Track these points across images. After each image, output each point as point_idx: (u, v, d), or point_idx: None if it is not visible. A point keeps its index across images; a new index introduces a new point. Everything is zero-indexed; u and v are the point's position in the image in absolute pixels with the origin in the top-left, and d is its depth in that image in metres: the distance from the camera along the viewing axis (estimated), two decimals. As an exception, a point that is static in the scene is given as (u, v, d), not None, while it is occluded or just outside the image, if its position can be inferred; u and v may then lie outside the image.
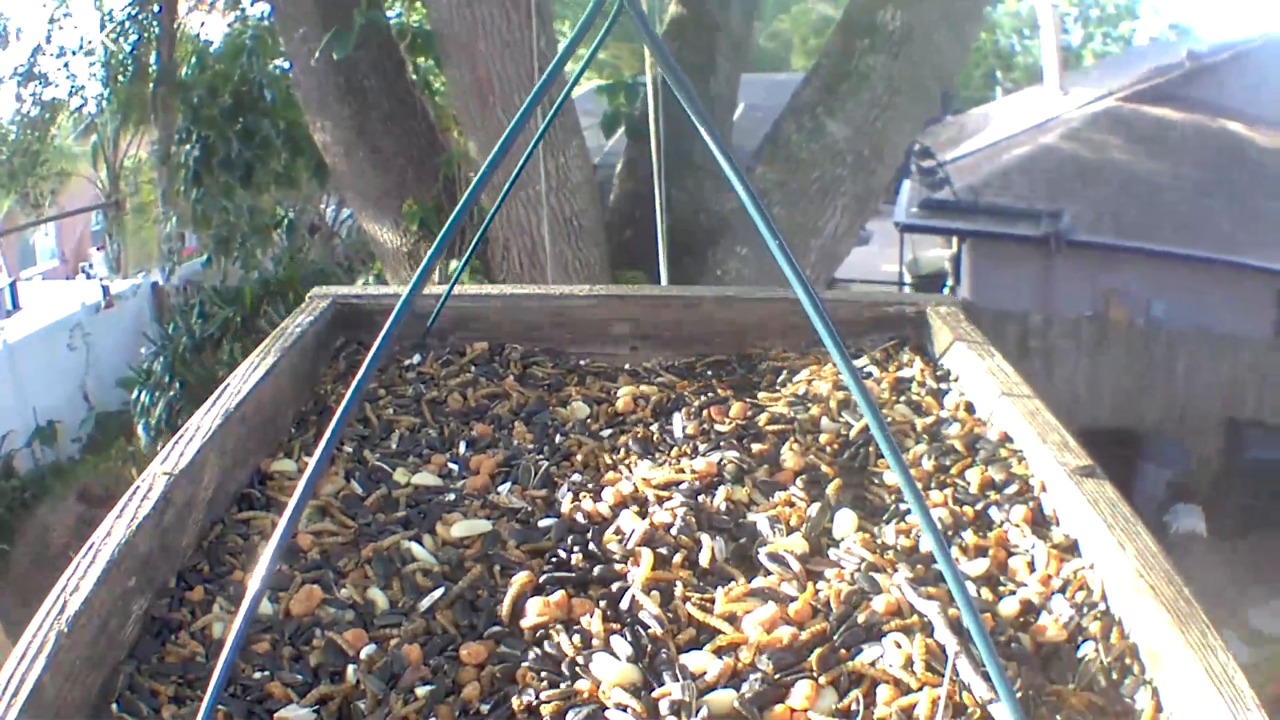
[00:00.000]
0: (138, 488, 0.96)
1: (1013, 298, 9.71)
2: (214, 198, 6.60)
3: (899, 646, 0.85)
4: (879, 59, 3.68)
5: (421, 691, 0.83)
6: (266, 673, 0.85)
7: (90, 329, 8.81)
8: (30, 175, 10.20)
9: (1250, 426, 9.18)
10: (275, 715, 0.81)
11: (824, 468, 1.13)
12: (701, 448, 1.17)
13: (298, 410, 1.31)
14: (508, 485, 1.13)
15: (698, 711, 0.79)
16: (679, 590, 0.92)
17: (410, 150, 4.04)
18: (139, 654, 0.86)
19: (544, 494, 1.11)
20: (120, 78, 8.48)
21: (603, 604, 0.90)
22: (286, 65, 6.15)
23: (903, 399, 1.31)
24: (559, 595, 0.91)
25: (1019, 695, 0.80)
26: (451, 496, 1.11)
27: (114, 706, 0.80)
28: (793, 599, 0.90)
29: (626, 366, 1.46)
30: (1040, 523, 1.04)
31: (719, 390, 1.33)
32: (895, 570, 0.95)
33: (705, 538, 0.99)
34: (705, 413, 1.25)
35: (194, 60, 6.95)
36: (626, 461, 1.18)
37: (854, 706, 0.81)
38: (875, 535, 1.02)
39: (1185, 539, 7.32)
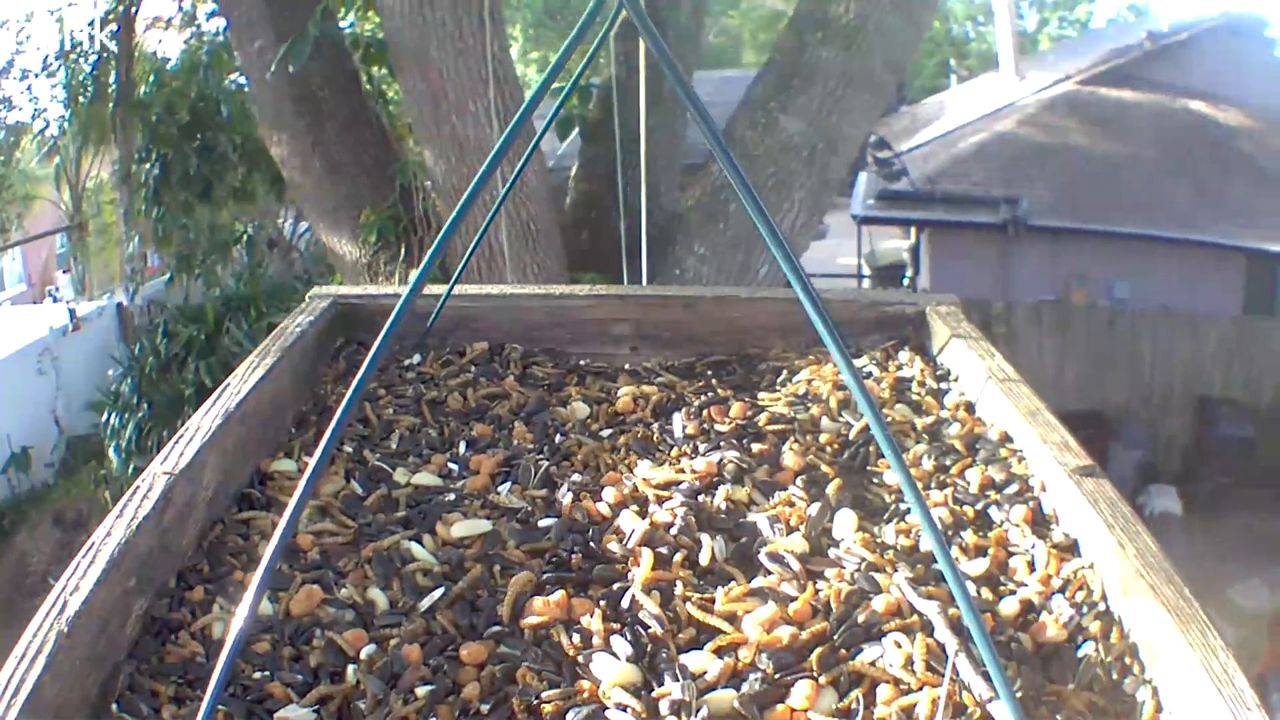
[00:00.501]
0: (138, 488, 0.96)
1: (973, 285, 9.68)
2: (174, 216, 6.63)
3: (899, 646, 0.85)
4: (832, 51, 3.66)
5: (421, 691, 0.83)
6: (266, 673, 0.85)
7: (58, 352, 8.72)
8: (-3, 200, 10.19)
9: (1221, 404, 9.16)
10: (275, 715, 0.81)
11: (824, 468, 1.13)
12: (701, 448, 1.17)
13: (298, 410, 1.31)
14: (508, 485, 1.13)
15: (698, 711, 0.79)
16: (679, 590, 0.92)
17: (365, 160, 4.05)
18: (139, 654, 0.86)
19: (544, 494, 1.11)
20: (81, 98, 8.45)
21: (603, 604, 0.90)
22: (242, 80, 6.16)
23: (903, 399, 1.31)
24: (559, 595, 0.91)
25: (1019, 695, 0.80)
26: (451, 496, 1.11)
27: (114, 706, 0.80)
28: (793, 599, 0.90)
29: (626, 366, 1.46)
30: (1040, 522, 1.04)
31: (719, 390, 1.33)
32: (895, 570, 0.95)
33: (705, 538, 0.99)
34: (705, 413, 1.25)
35: (152, 78, 6.97)
36: (626, 461, 1.18)
37: (854, 706, 0.81)
38: (875, 535, 1.02)
39: (1162, 520, 7.30)
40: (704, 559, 0.97)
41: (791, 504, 1.07)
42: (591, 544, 1.00)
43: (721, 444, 1.17)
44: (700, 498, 1.07)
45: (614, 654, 0.85)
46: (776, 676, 0.83)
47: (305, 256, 8.32)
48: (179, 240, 6.82)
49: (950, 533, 1.03)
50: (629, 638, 0.86)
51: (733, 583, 0.94)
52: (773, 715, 0.80)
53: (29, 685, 0.72)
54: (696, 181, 4.00)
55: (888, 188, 10.04)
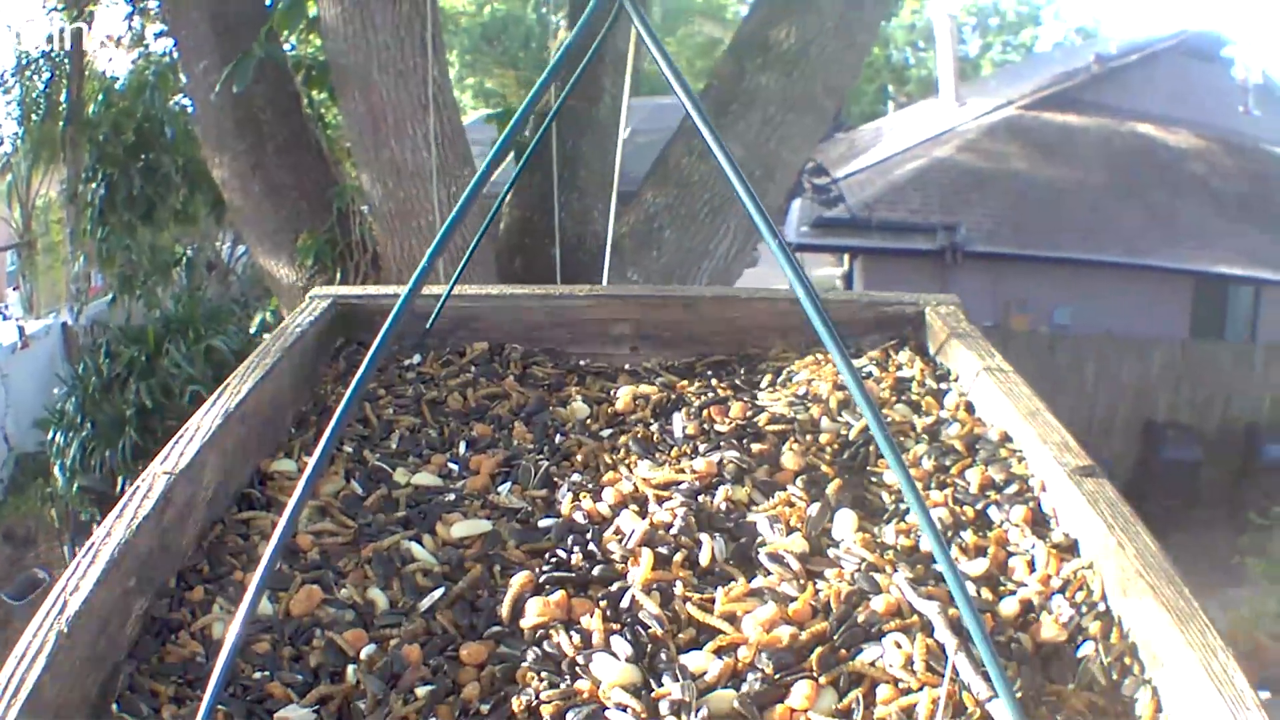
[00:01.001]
0: (138, 488, 0.96)
1: None
2: (118, 236, 6.65)
3: (899, 646, 0.85)
4: (771, 77, 3.62)
5: (421, 691, 0.83)
6: (266, 673, 0.85)
7: (8, 370, 8.66)
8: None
9: (1166, 428, 9.18)
10: (275, 715, 0.81)
11: (824, 468, 1.13)
12: (701, 448, 1.17)
13: (298, 410, 1.31)
14: (508, 485, 1.13)
15: (698, 711, 0.79)
16: (679, 590, 0.92)
17: (305, 184, 4.05)
18: (139, 654, 0.86)
19: (544, 494, 1.11)
20: (34, 115, 8.45)
21: (603, 604, 0.90)
22: (186, 101, 6.14)
23: (903, 399, 1.31)
24: (559, 595, 0.91)
25: (1019, 695, 0.80)
26: (451, 496, 1.11)
27: (114, 707, 0.80)
28: (793, 599, 0.90)
29: (626, 366, 1.46)
30: (1040, 523, 1.04)
31: (719, 390, 1.33)
32: (895, 570, 0.95)
33: (705, 538, 0.99)
34: (705, 413, 1.25)
35: (101, 98, 6.99)
36: (626, 461, 1.18)
37: (854, 706, 0.81)
38: (875, 535, 1.02)
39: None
40: (704, 559, 0.97)
41: (791, 504, 1.07)
42: (591, 544, 1.00)
43: (721, 444, 1.17)
44: (700, 498, 1.07)
45: (614, 654, 0.85)
46: (776, 676, 0.83)
47: (242, 279, 8.33)
48: (122, 261, 6.85)
49: (950, 533, 1.03)
50: (629, 638, 0.86)
51: (733, 583, 0.94)
52: (773, 715, 0.80)
53: (29, 685, 0.72)
54: (630, 209, 4.00)
55: (823, 215, 9.97)
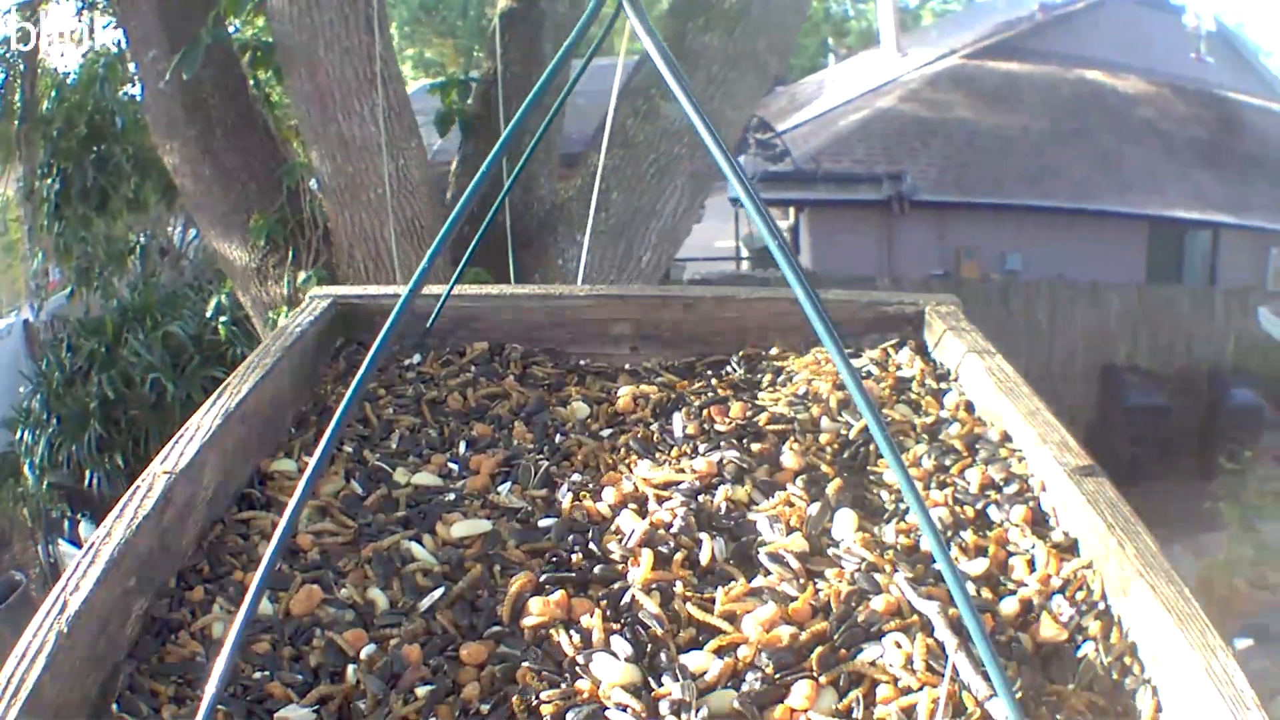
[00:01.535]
0: (137, 488, 0.96)
1: (857, 263, 9.56)
2: (74, 230, 6.66)
3: (899, 646, 0.85)
4: (714, 36, 3.62)
5: (421, 691, 0.83)
6: (266, 673, 0.85)
7: None
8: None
9: (1126, 373, 9.07)
10: (275, 715, 0.81)
11: (824, 468, 1.13)
12: (702, 448, 1.17)
13: (298, 410, 1.31)
14: (508, 485, 1.13)
15: (698, 711, 0.79)
16: (679, 590, 0.92)
17: (253, 165, 4.06)
18: (139, 654, 0.86)
19: (544, 494, 1.11)
20: None
21: (603, 604, 0.90)
22: (135, 91, 6.15)
23: (902, 399, 1.31)
24: (559, 595, 0.91)
25: (1019, 695, 0.80)
26: (451, 496, 1.11)
27: (114, 707, 0.80)
28: (793, 599, 0.90)
29: (626, 366, 1.46)
30: (1040, 522, 1.04)
31: (719, 390, 1.33)
32: (895, 570, 0.95)
33: (705, 537, 0.99)
34: (705, 413, 1.25)
35: (54, 93, 6.99)
36: (627, 461, 1.18)
37: (854, 706, 0.81)
38: (875, 535, 1.02)
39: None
40: (704, 559, 0.97)
41: (791, 504, 1.07)
42: (591, 544, 1.00)
43: (721, 444, 1.17)
44: (700, 498, 1.07)
45: (614, 654, 0.85)
46: (776, 676, 0.83)
47: (194, 264, 8.32)
48: (78, 253, 6.85)
49: (950, 533, 1.03)
50: (629, 638, 0.86)
51: (733, 583, 0.94)
52: (773, 715, 0.80)
53: (29, 685, 0.72)
54: (576, 171, 3.99)
55: (768, 169, 9.88)
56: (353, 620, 0.91)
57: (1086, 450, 1.05)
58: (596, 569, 0.96)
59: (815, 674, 0.83)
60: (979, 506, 1.07)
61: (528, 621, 0.89)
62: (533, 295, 1.53)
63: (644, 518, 1.03)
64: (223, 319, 5.70)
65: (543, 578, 0.94)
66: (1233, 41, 13.54)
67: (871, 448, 1.18)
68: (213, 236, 4.24)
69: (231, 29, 4.35)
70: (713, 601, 0.91)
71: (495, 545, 1.01)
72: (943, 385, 1.34)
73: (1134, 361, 9.28)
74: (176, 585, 0.95)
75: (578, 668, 0.84)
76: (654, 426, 1.25)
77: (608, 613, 0.90)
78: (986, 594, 0.95)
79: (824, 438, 1.20)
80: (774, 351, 1.46)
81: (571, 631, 0.88)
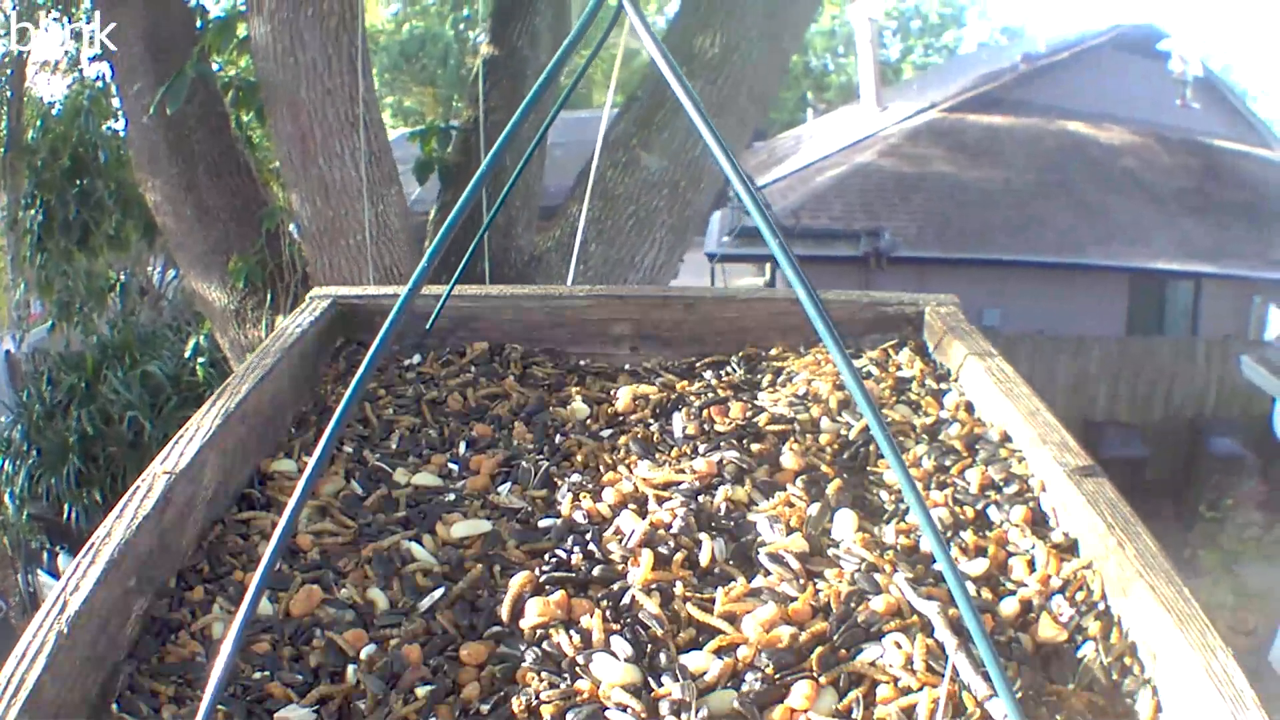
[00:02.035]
0: (137, 488, 0.96)
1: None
2: (56, 263, 6.67)
3: (899, 646, 0.85)
4: (696, 84, 3.60)
5: (421, 691, 0.83)
6: (266, 673, 0.85)
7: None
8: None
9: (1106, 426, 9.10)
10: (275, 715, 0.81)
11: (824, 468, 1.13)
12: (701, 448, 1.17)
13: (298, 410, 1.31)
14: (508, 485, 1.13)
15: (698, 711, 0.79)
16: (679, 590, 0.92)
17: (234, 205, 4.06)
18: (139, 654, 0.86)
19: (544, 494, 1.11)
20: None
21: (603, 604, 0.90)
22: (118, 125, 6.16)
23: (903, 399, 1.31)
24: (559, 595, 0.91)
25: (1019, 695, 0.80)
26: (451, 496, 1.11)
27: (114, 707, 0.80)
28: (793, 599, 0.90)
29: (626, 366, 1.46)
30: (1040, 523, 1.04)
31: (719, 390, 1.33)
32: (895, 570, 0.95)
33: (705, 538, 0.99)
34: (705, 413, 1.25)
35: (39, 124, 7.00)
36: (626, 462, 1.18)
37: (854, 706, 0.81)
38: (875, 535, 1.02)
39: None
40: (704, 559, 0.97)
41: (791, 504, 1.07)
42: (591, 544, 1.00)
43: (721, 444, 1.17)
44: (700, 498, 1.07)
45: (614, 654, 0.85)
46: (776, 677, 0.83)
47: (173, 304, 8.34)
48: (59, 287, 6.87)
49: (950, 533, 1.03)
50: (629, 638, 0.86)
51: (733, 583, 0.94)
52: (772, 715, 0.80)
53: (29, 685, 0.72)
54: (555, 223, 3.97)
55: (744, 224, 9.88)
56: (353, 620, 0.91)
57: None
58: (596, 569, 0.96)
59: (815, 674, 0.83)
60: (979, 507, 1.07)
61: (528, 622, 0.89)
62: (533, 295, 1.53)
63: (644, 518, 1.03)
64: (201, 360, 5.72)
65: (543, 578, 0.94)
66: (1219, 86, 13.50)
67: (871, 448, 1.18)
68: (193, 277, 4.24)
69: (215, 67, 4.36)
70: (713, 602, 0.91)
71: (495, 545, 1.01)
72: (943, 386, 1.34)
73: (1114, 412, 9.30)
74: (176, 585, 0.95)
75: (578, 668, 0.84)
76: (654, 427, 1.25)
77: (608, 613, 0.90)
78: (986, 594, 0.95)
79: (824, 438, 1.20)
80: (774, 352, 1.46)
81: (571, 632, 0.88)
